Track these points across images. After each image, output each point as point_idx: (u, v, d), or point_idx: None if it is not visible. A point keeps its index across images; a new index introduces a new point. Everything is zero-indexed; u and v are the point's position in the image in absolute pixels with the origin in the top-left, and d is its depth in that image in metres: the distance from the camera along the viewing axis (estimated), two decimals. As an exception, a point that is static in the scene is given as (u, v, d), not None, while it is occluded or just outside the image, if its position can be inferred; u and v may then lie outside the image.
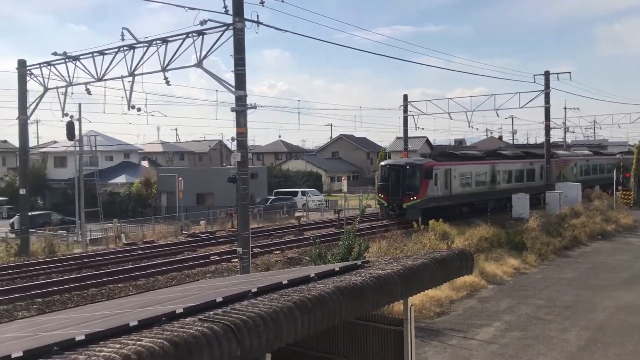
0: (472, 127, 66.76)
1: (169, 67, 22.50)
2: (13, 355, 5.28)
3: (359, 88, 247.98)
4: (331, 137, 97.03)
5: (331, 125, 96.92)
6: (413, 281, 8.12)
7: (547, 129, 46.26)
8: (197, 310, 6.80)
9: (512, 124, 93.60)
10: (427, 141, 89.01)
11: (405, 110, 50.85)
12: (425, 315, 16.74)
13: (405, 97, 51.33)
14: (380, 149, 75.59)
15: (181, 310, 6.62)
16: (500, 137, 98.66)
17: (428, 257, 8.87)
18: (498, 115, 77.19)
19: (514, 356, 13.67)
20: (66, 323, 8.33)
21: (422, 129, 54.95)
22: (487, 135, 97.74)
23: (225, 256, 25.86)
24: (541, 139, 62.98)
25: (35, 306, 17.59)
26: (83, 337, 5.77)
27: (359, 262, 9.59)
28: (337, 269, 8.83)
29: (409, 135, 53.81)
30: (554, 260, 26.30)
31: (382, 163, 39.06)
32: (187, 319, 6.30)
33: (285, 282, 7.93)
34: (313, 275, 8.27)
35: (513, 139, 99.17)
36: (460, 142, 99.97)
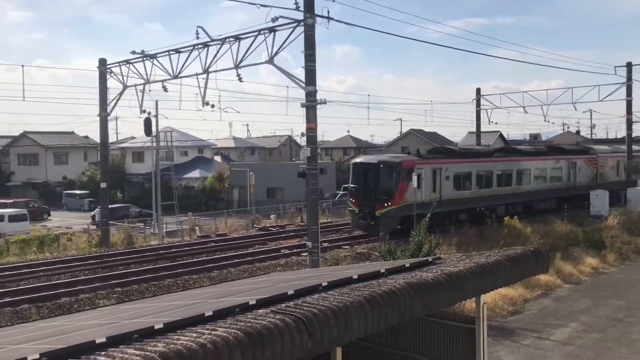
0: (548, 121, 64.60)
1: (241, 64, 22.93)
2: (97, 341, 5.56)
3: (429, 82, 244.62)
4: (400, 132, 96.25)
5: (401, 120, 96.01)
6: (486, 279, 7.97)
7: (629, 123, 44.12)
8: (269, 302, 6.93)
9: (591, 118, 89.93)
10: (501, 136, 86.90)
11: (478, 104, 49.81)
12: (497, 313, 16.39)
13: (478, 90, 50.28)
14: (451, 144, 74.36)
15: (254, 302, 6.77)
16: (578, 132, 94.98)
17: (502, 255, 8.68)
18: (576, 109, 74.42)
19: (592, 358, 13.18)
20: (144, 312, 8.67)
21: (496, 123, 53.80)
22: (564, 129, 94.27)
23: (295, 250, 26.16)
24: (622, 133, 60.17)
25: (115, 295, 18.38)
26: (161, 325, 5.99)
27: (430, 259, 9.50)
28: (407, 264, 8.78)
29: (482, 129, 52.72)
30: (635, 261, 25.16)
31: (354, 160, 32.33)
32: (259, 311, 6.44)
33: (355, 277, 7.95)
34: (383, 270, 8.26)
35: (591, 133, 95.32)
36: (535, 137, 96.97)
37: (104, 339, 5.58)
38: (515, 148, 40.67)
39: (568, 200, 37.64)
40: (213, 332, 5.52)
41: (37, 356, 5.19)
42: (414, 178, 27.67)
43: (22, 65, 63.02)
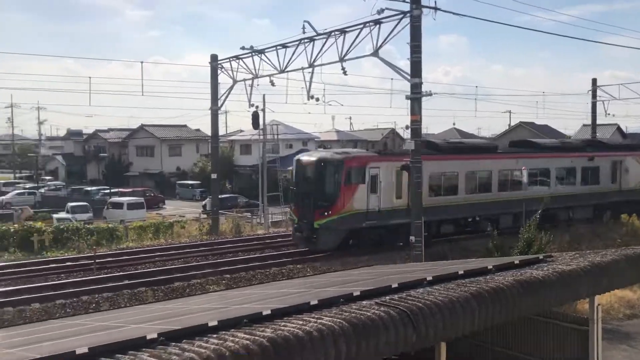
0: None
1: (346, 57, 23.05)
2: (209, 324, 5.84)
3: (540, 72, 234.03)
4: (509, 125, 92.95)
5: (510, 112, 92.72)
6: (601, 279, 7.58)
7: None
8: (373, 294, 6.97)
9: None
10: (619, 129, 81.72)
11: (594, 96, 47.06)
12: (613, 316, 15.50)
13: (594, 81, 47.50)
14: (564, 137, 70.90)
15: (358, 293, 6.83)
16: None
17: (619, 254, 8.21)
18: None
19: None
20: (251, 298, 8.98)
21: (613, 115, 50.47)
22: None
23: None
24: None
25: (224, 281, 19.13)
26: (269, 312, 6.20)
27: (540, 256, 9.15)
28: (517, 261, 8.51)
29: (598, 122, 49.83)
30: None
31: (296, 157, 26.60)
32: (363, 302, 6.50)
33: (461, 272, 7.82)
34: (491, 267, 8.06)
35: None
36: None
37: (215, 323, 5.85)
38: (534, 142, 33.23)
39: (611, 208, 31.31)
40: (319, 321, 5.64)
41: (155, 335, 5.52)
42: (367, 180, 22.59)
43: (141, 62, 65.88)
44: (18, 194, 50.64)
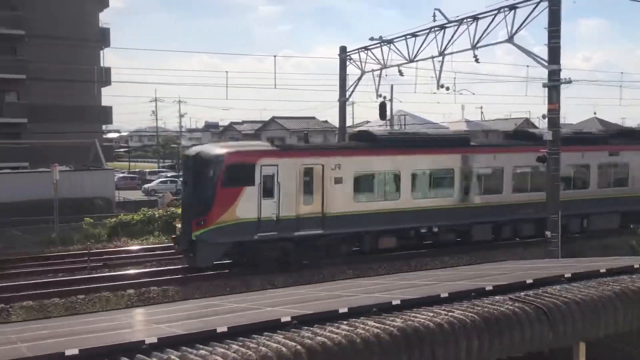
0: None
1: (478, 45, 22.37)
2: (340, 311, 5.97)
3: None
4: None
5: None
6: None
7: None
8: (506, 289, 6.76)
9: None
10: None
11: None
12: None
13: None
14: None
15: (490, 288, 6.66)
16: None
17: None
18: None
19: None
20: (380, 288, 9.05)
21: None
22: None
23: (527, 240, 24.79)
24: None
25: (350, 271, 19.30)
26: (399, 302, 6.22)
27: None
28: (667, 261, 7.88)
29: None
30: None
31: (186, 151, 22.27)
32: (496, 297, 6.33)
33: (603, 270, 7.37)
34: (637, 266, 7.52)
35: None
36: None
37: (346, 310, 5.97)
38: (532, 133, 25.92)
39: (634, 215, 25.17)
40: (449, 314, 5.57)
41: (289, 319, 5.74)
42: (258, 181, 18.21)
43: (274, 56, 68.18)
44: (161, 182, 54.40)
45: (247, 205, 18.05)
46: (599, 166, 24.64)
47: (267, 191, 18.32)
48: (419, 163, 21.26)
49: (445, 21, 23.37)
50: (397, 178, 20.91)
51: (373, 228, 20.19)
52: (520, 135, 26.35)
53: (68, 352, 5.25)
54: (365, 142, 21.53)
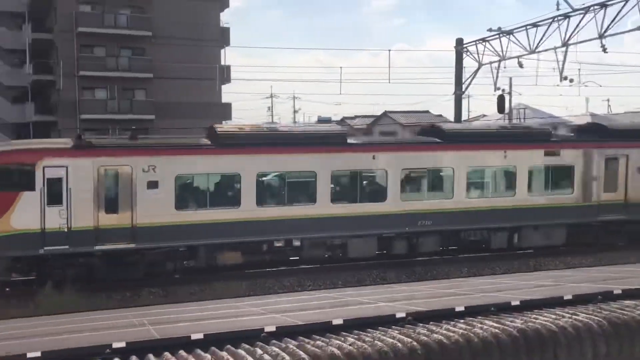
0: None
1: (606, 34, 21.09)
2: (456, 309, 5.88)
3: None
4: None
5: None
6: None
7: None
8: (635, 293, 6.35)
9: None
10: None
11: None
12: None
13: None
14: None
15: (619, 291, 6.29)
16: None
17: None
18: None
19: None
20: (498, 287, 8.80)
21: None
22: None
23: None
24: None
25: (465, 269, 18.90)
26: (518, 302, 6.03)
27: None
28: None
29: None
30: None
31: None
32: (626, 301, 5.96)
33: None
34: None
35: None
36: None
37: (462, 308, 5.88)
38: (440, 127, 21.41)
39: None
40: (573, 317, 5.33)
41: (404, 315, 5.74)
42: (40, 185, 15.52)
43: (389, 50, 67.95)
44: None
45: (26, 214, 15.41)
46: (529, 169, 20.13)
47: (53, 197, 15.57)
48: (266, 164, 17.67)
49: (570, 10, 22.25)
50: (237, 181, 17.26)
51: (206, 242, 16.95)
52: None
53: (194, 337, 5.57)
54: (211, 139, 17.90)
